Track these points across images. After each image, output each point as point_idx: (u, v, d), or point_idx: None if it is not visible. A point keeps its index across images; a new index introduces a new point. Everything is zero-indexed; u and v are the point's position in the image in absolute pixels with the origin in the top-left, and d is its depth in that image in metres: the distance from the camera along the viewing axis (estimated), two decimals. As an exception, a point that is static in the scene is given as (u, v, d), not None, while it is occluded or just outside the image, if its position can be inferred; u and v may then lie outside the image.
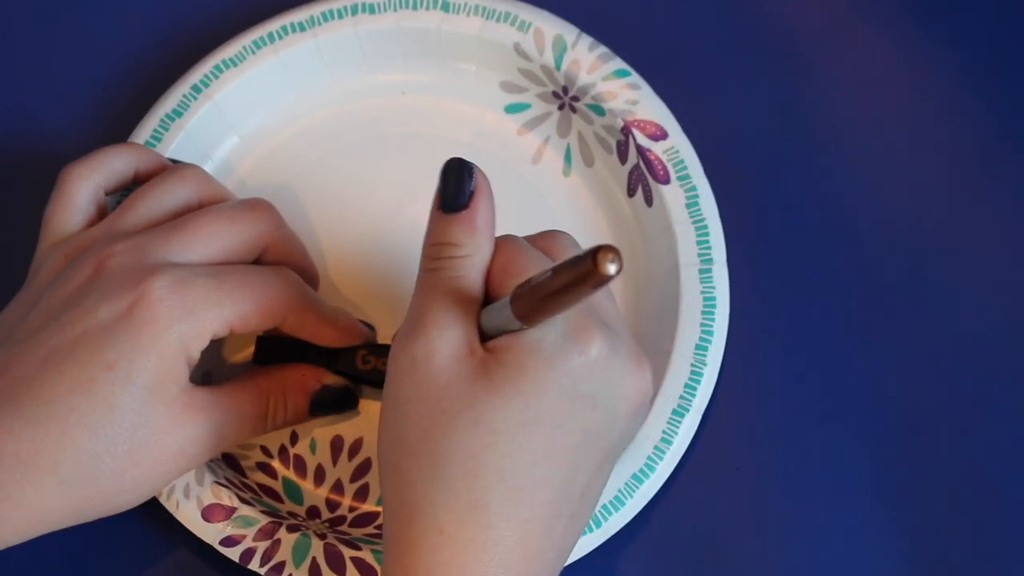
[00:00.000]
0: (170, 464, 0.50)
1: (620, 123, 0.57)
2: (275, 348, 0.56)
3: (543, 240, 0.49)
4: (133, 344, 0.48)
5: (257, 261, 0.54)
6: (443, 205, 0.46)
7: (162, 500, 0.52)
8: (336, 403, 0.55)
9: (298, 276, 0.54)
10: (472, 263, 0.46)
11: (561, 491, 0.44)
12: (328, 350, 0.55)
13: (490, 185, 0.47)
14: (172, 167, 0.55)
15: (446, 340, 0.45)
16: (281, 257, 0.54)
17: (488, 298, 0.46)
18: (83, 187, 0.54)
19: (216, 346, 0.56)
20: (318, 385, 0.55)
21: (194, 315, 0.49)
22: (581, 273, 0.39)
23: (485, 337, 0.45)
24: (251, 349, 0.56)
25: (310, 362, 0.55)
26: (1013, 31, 0.60)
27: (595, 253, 0.39)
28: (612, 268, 0.39)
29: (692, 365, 0.54)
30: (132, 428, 0.49)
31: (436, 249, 0.46)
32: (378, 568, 0.51)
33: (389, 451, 0.45)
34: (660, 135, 0.57)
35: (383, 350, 0.55)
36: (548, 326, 0.44)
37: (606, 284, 0.40)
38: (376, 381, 0.55)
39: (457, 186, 0.46)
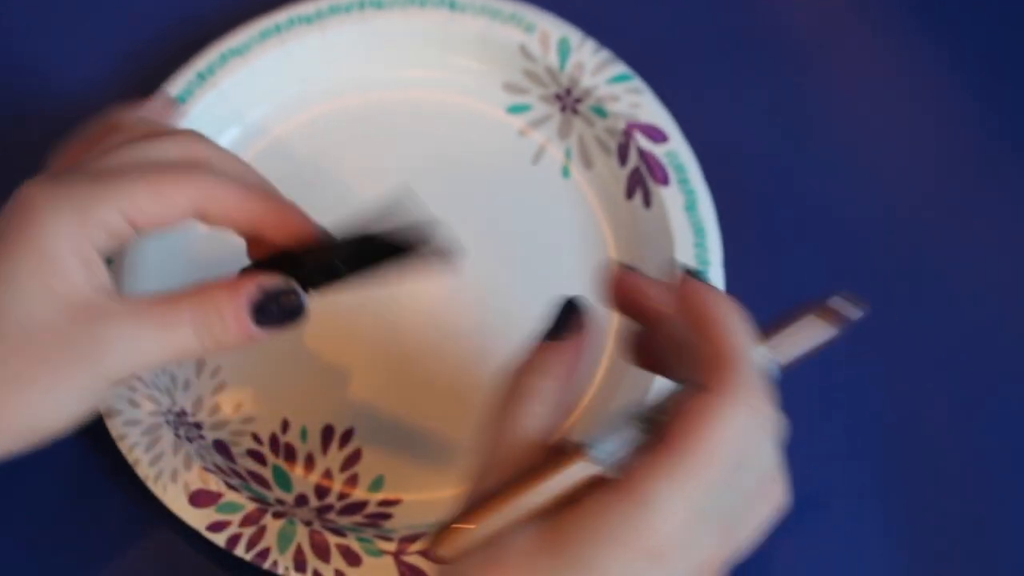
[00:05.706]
0: (81, 374, 0.44)
1: (622, 126, 0.57)
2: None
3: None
4: (12, 245, 0.44)
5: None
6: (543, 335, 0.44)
7: (149, 484, 0.52)
8: (280, 305, 0.46)
9: (211, 144, 0.47)
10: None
11: None
12: (298, 260, 0.48)
13: (594, 335, 0.44)
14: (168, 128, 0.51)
15: None
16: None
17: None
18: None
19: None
20: (253, 287, 0.46)
21: (78, 209, 0.44)
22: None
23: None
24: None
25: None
26: (1013, 31, 0.60)
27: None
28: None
29: (685, 367, 0.54)
30: (25, 337, 0.44)
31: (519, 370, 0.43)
32: (363, 556, 0.51)
33: None
34: (660, 138, 0.57)
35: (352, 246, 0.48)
36: None
37: None
38: (358, 263, 0.48)
39: (556, 325, 0.44)
